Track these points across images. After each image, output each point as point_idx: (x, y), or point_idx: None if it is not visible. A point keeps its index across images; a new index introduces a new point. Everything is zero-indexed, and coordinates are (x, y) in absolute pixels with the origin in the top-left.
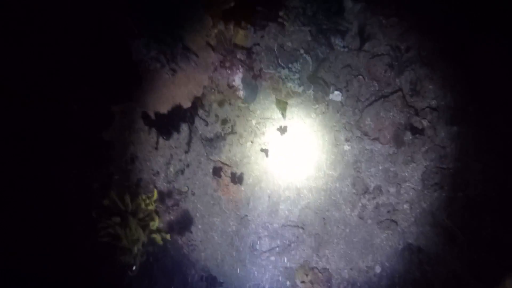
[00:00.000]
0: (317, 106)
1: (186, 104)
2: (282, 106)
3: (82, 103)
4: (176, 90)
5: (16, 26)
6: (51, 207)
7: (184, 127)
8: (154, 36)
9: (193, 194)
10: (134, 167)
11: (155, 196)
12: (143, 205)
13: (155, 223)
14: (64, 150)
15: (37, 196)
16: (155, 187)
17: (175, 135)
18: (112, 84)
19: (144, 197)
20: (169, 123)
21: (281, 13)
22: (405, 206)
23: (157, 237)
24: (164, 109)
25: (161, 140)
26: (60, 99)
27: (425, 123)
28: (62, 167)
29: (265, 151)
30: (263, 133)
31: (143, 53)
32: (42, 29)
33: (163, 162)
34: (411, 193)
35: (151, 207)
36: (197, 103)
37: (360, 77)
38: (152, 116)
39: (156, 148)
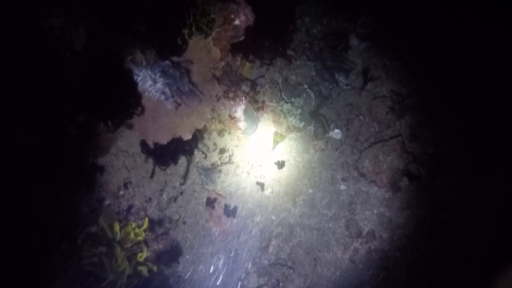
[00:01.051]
0: (316, 142)
1: (187, 137)
2: (277, 139)
3: (81, 128)
4: (178, 121)
5: (24, 50)
6: (35, 230)
7: (182, 159)
8: (162, 70)
9: (184, 223)
10: (127, 192)
11: (146, 225)
12: (132, 235)
13: (143, 255)
14: (56, 172)
15: (22, 217)
16: (147, 215)
17: (172, 165)
18: (113, 112)
19: (134, 225)
20: (167, 154)
21: (289, 51)
22: (397, 253)
23: (144, 269)
24: (164, 140)
25: (157, 168)
26: (59, 122)
27: (422, 170)
28: (51, 188)
29: (260, 184)
30: (260, 165)
31: (149, 84)
32: (48, 54)
33: (156, 188)
34: (404, 241)
35: (140, 238)
36: (198, 135)
37: (361, 117)
38: (151, 145)
39: (151, 177)
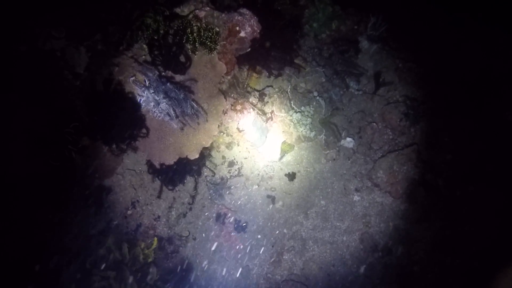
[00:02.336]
0: (328, 151)
1: (194, 156)
2: (285, 149)
3: (85, 153)
4: (184, 140)
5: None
6: (44, 254)
7: (190, 178)
8: (164, 92)
9: (194, 239)
10: (135, 212)
11: (155, 244)
12: (141, 256)
13: (153, 277)
14: (62, 196)
15: (31, 242)
16: (156, 234)
17: (180, 186)
18: (117, 135)
19: (143, 245)
20: (174, 174)
21: (297, 60)
22: (416, 269)
23: None
24: (170, 160)
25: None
26: (62, 149)
27: (440, 180)
28: (58, 212)
29: (271, 197)
30: (271, 177)
31: (152, 105)
32: (49, 76)
33: (165, 206)
34: (422, 256)
35: (149, 259)
36: (205, 153)
37: (374, 124)
38: (157, 165)
39: (159, 197)
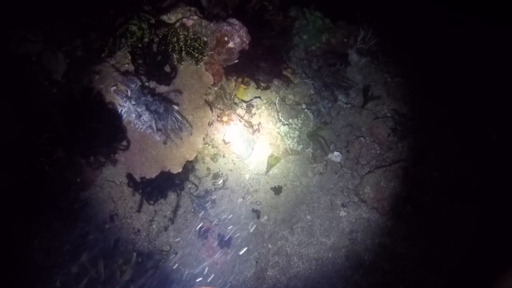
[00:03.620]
0: (315, 165)
1: (177, 170)
2: (272, 162)
3: (60, 165)
4: (167, 153)
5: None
6: (11, 270)
7: (172, 194)
8: (145, 103)
9: (176, 254)
10: (113, 225)
11: (134, 260)
12: (118, 274)
13: None
14: (32, 209)
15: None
16: (135, 249)
17: (161, 200)
18: (96, 148)
19: (120, 262)
20: (155, 189)
21: (286, 72)
22: (401, 286)
23: None
24: (151, 173)
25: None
26: (34, 161)
27: (426, 197)
28: (27, 226)
29: (256, 211)
30: (256, 191)
31: (133, 117)
32: (23, 83)
33: (145, 219)
34: (407, 274)
35: (126, 277)
36: (189, 166)
37: (362, 138)
38: (138, 179)
39: (139, 211)
